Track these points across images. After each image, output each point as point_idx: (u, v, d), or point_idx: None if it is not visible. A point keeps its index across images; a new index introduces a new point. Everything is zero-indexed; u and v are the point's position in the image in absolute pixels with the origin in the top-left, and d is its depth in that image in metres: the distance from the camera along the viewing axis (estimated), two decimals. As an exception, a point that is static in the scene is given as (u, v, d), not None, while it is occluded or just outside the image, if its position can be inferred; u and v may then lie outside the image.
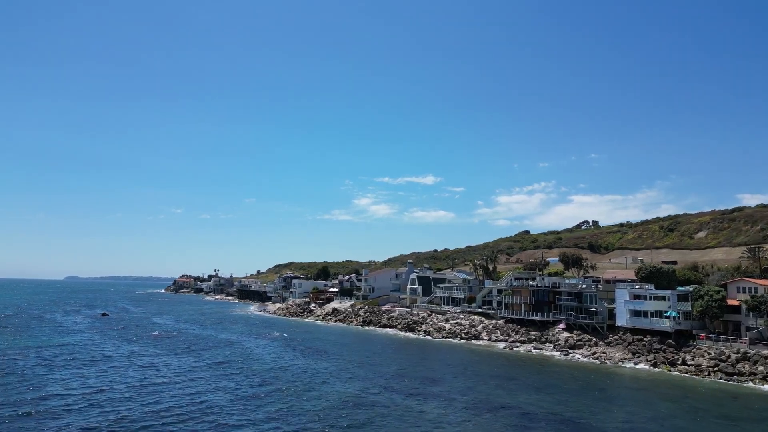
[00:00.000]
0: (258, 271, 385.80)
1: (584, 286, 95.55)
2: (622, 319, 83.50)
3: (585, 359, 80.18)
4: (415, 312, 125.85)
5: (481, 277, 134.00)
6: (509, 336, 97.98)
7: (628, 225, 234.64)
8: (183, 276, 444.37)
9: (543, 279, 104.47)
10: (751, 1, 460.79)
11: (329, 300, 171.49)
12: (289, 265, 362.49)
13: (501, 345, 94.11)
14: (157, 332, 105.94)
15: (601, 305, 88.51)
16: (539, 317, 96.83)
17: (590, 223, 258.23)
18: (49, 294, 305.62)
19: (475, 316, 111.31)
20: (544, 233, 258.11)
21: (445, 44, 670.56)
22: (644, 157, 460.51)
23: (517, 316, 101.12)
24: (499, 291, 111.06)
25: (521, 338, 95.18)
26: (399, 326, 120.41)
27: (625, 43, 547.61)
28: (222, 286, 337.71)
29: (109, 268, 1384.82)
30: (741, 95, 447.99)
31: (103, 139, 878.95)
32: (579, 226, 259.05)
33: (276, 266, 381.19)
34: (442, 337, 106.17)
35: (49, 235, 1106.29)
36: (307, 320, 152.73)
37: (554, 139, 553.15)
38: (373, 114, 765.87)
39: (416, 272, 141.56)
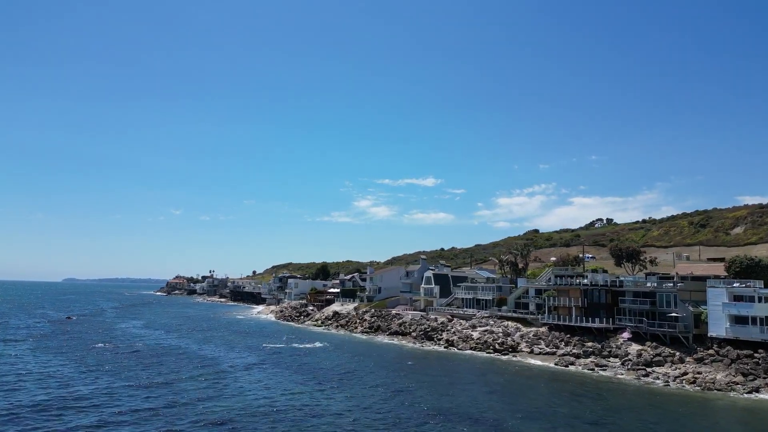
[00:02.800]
0: (254, 272, 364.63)
1: (654, 284, 75.10)
2: (719, 328, 63.04)
3: (674, 383, 59.58)
4: (432, 316, 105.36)
5: (509, 275, 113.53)
6: (557, 348, 77.49)
7: (651, 221, 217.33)
8: (176, 277, 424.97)
9: (595, 276, 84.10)
10: (751, 1, 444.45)
11: (329, 302, 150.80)
12: (286, 266, 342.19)
13: (550, 361, 73.58)
14: (102, 343, 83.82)
15: (684, 309, 68.00)
16: (596, 324, 76.43)
17: (604, 221, 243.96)
18: (34, 296, 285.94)
19: (509, 322, 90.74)
20: (557, 231, 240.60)
21: (445, 44, 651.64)
22: (644, 157, 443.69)
23: (565, 323, 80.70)
24: (538, 291, 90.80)
25: (574, 350, 74.63)
26: (414, 334, 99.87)
27: (625, 43, 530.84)
28: (216, 287, 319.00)
29: (108, 269, 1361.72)
30: (741, 95, 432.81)
31: (103, 139, 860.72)
32: (593, 224, 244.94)
33: (273, 267, 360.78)
34: (470, 348, 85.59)
35: (48, 235, 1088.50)
36: (303, 326, 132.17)
37: (554, 139, 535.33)
38: (373, 114, 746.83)
39: (431, 269, 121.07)
